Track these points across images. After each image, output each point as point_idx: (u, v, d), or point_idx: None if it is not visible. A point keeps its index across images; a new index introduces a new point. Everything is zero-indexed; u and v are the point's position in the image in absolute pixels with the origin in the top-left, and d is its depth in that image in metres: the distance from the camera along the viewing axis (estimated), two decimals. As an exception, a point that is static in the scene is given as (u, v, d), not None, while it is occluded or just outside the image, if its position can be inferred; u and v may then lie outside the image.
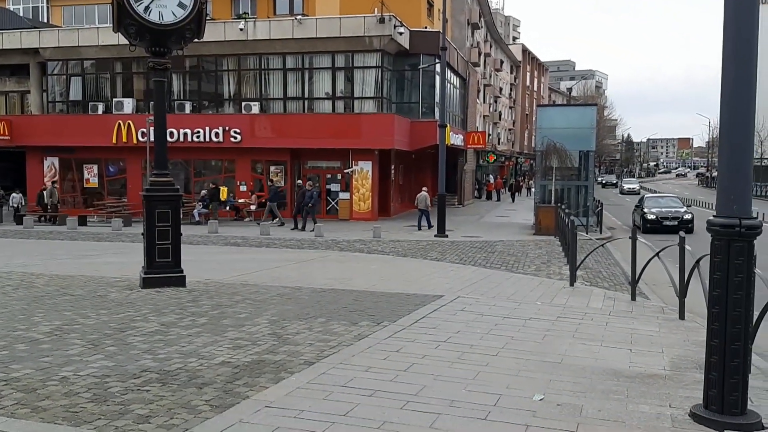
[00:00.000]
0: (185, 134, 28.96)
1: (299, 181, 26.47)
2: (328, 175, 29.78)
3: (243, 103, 29.72)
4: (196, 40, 11.68)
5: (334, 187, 29.47)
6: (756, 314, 6.12)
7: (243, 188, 29.65)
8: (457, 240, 21.09)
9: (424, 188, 26.10)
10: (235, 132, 28.65)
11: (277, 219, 25.73)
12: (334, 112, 29.27)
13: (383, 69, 28.68)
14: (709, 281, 5.12)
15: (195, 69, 31.15)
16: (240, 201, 28.91)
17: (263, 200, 29.31)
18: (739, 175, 5.00)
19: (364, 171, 28.33)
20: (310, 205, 23.88)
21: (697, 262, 8.18)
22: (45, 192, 28.27)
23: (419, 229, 24.42)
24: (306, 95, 29.67)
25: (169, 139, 26.76)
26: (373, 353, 6.95)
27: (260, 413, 5.13)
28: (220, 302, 9.86)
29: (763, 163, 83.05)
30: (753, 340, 6.27)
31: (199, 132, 28.93)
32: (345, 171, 28.60)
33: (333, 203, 29.43)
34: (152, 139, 13.25)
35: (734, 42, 4.97)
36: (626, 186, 70.68)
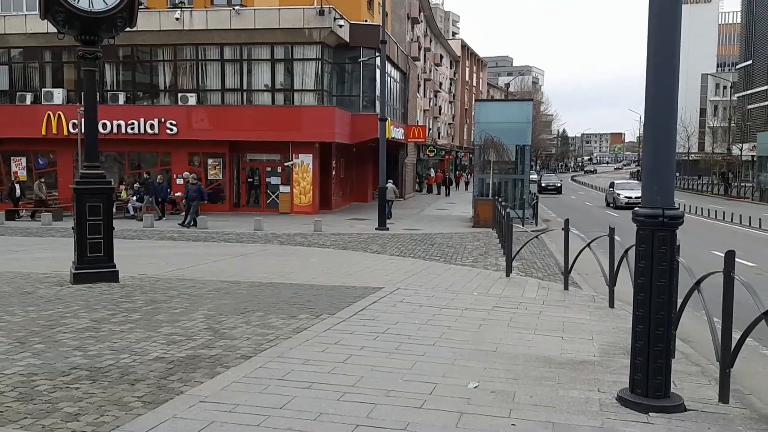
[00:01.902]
0: (119, 126, 28.10)
1: (186, 173, 25.57)
2: (269, 168, 29.45)
3: (179, 95, 29.02)
4: (128, 28, 11.36)
5: (275, 180, 29.16)
6: (679, 301, 6.42)
7: (180, 181, 28.98)
8: (398, 233, 21.22)
9: (389, 180, 26.40)
10: (171, 124, 27.97)
11: (131, 213, 25.28)
12: (274, 104, 28.92)
13: (323, 61, 28.51)
14: (634, 270, 5.33)
15: (129, 59, 30.24)
16: (177, 195, 28.26)
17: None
18: (662, 168, 5.21)
19: (304, 164, 28.13)
20: (197, 200, 22.68)
21: (626, 252, 8.48)
22: (34, 186, 26.88)
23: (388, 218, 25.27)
24: (245, 87, 29.20)
25: (102, 130, 26.47)
26: (311, 346, 6.94)
27: (194, 408, 5.05)
28: (154, 297, 9.64)
29: (690, 158, 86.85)
30: (677, 326, 6.58)
31: (133, 124, 28.12)
32: (285, 164, 28.34)
33: (273, 197, 29.13)
34: (83, 130, 12.80)
35: (657, 41, 5.16)
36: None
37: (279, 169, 29.00)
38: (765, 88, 65.72)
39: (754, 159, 56.73)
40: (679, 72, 5.23)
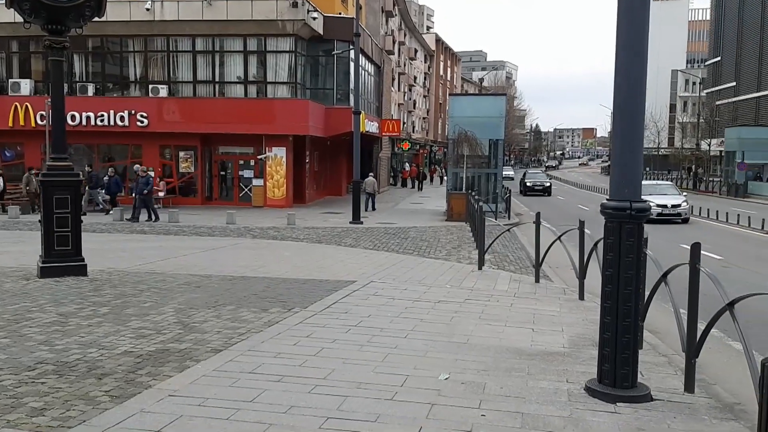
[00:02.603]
0: (88, 118, 27.62)
1: (136, 166, 24.81)
2: (241, 161, 29.20)
3: (150, 86, 28.60)
4: (97, 18, 11.15)
5: (248, 173, 28.92)
6: (647, 293, 6.51)
7: (150, 174, 28.57)
8: (372, 226, 21.22)
9: (370, 174, 26.52)
10: (141, 116, 27.56)
11: (100, 206, 24.88)
12: (247, 96, 28.65)
13: (297, 54, 28.31)
14: (602, 262, 5.39)
15: (98, 50, 29.70)
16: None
17: (172, 186, 28.53)
18: (630, 162, 5.27)
19: (278, 157, 27.95)
20: (145, 192, 22.08)
21: (596, 244, 8.58)
22: (24, 178, 26.06)
23: (366, 209, 26.54)
24: (217, 79, 28.88)
25: (71, 122, 26.10)
26: (282, 339, 6.91)
27: (163, 402, 5.00)
28: (123, 291, 9.51)
29: (660, 153, 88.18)
30: (644, 318, 6.68)
31: (103, 115, 27.65)
32: (258, 157, 28.13)
33: (246, 190, 28.91)
34: (51, 122, 12.57)
35: (626, 36, 5.21)
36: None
37: (252, 162, 28.76)
38: (733, 84, 66.95)
39: (722, 154, 57.77)
40: (647, 68, 5.29)
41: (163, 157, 29.22)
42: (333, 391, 5.30)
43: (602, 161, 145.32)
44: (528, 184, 45.84)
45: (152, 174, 24.49)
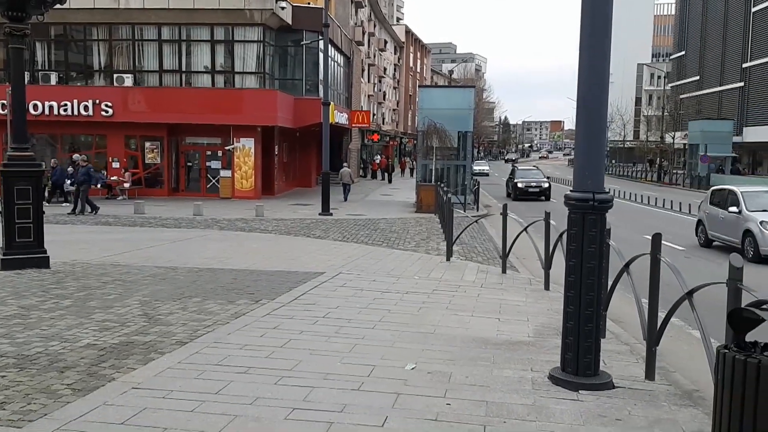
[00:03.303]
0: (51, 107, 27.01)
1: (76, 155, 23.86)
2: (209, 152, 28.85)
3: (115, 75, 28.11)
4: (59, 5, 10.90)
5: (215, 164, 28.60)
6: (610, 283, 6.63)
7: (116, 165, 28.15)
8: (341, 218, 21.18)
9: (345, 164, 26.58)
10: (106, 105, 27.05)
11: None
12: (214, 86, 28.31)
13: (265, 44, 28.05)
14: (566, 252, 5.46)
15: (61, 38, 29.05)
16: (112, 178, 27.45)
17: (138, 177, 28.10)
18: (593, 154, 5.35)
19: (246, 148, 27.70)
20: (86, 184, 21.25)
21: (561, 235, 8.69)
22: None
23: (344, 200, 27.73)
24: (183, 68, 28.46)
25: (33, 111, 25.56)
26: (249, 331, 6.87)
27: (126, 395, 4.94)
28: (87, 284, 9.36)
29: (626, 145, 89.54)
30: (607, 307, 6.80)
31: (66, 105, 27.07)
32: (226, 148, 27.84)
33: (214, 181, 28.59)
34: (11, 111, 12.26)
35: (590, 31, 5.27)
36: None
37: (219, 153, 28.45)
38: (696, 78, 68.20)
39: (686, 147, 58.84)
40: (610, 62, 5.36)
41: (129, 148, 28.75)
42: (299, 382, 5.30)
43: (564, 154, 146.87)
44: (520, 185, 34.38)
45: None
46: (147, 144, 28.53)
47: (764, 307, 3.21)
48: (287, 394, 5.01)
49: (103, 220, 19.40)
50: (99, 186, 27.02)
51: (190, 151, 29.27)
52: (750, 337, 3.38)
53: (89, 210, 21.02)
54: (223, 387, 5.15)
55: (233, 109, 26.79)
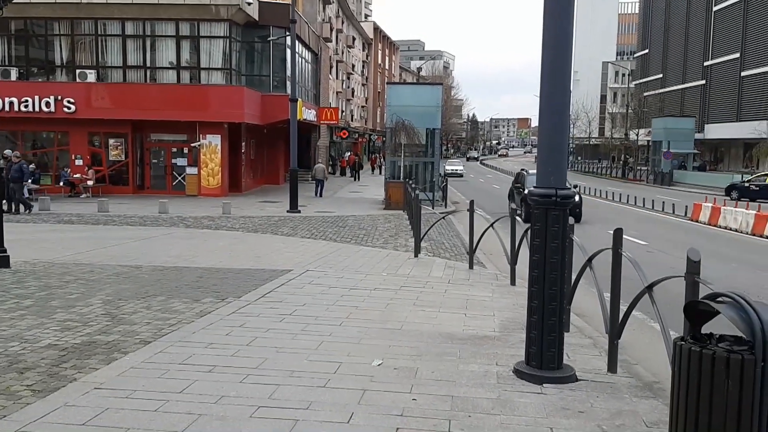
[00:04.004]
0: (11, 103, 26.39)
1: (7, 151, 22.34)
2: (174, 149, 28.48)
3: (78, 71, 27.54)
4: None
5: (181, 161, 28.23)
6: (573, 277, 6.73)
7: (79, 162, 27.61)
8: (310, 215, 21.10)
9: (320, 160, 26.46)
10: (68, 102, 26.50)
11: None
12: (180, 82, 27.92)
13: (231, 39, 27.75)
14: (529, 247, 5.53)
15: (22, 32, 28.36)
16: (75, 176, 26.92)
17: (102, 175, 27.60)
18: (556, 151, 5.42)
19: (212, 145, 27.39)
20: (19, 182, 20.18)
21: (526, 231, 8.77)
22: None
23: (315, 195, 28.66)
24: (148, 64, 28.01)
25: (-9, 108, 24.77)
26: (215, 329, 6.81)
27: (88, 395, 4.86)
28: (48, 283, 9.18)
29: (591, 142, 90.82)
30: (570, 301, 6.89)
31: (27, 101, 26.45)
32: (192, 145, 27.49)
33: (180, 178, 28.23)
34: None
35: (552, 30, 5.33)
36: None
37: (185, 150, 28.10)
38: (659, 76, 69.53)
39: (649, 144, 59.96)
40: (572, 61, 5.43)
41: (92, 145, 28.21)
42: (265, 380, 5.27)
43: (525, 151, 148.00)
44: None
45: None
46: (111, 141, 28.03)
47: (719, 299, 3.29)
48: (252, 393, 4.98)
49: (66, 218, 19.02)
50: (62, 183, 26.53)
51: (156, 148, 28.84)
52: (709, 328, 3.46)
53: (23, 209, 20.02)
54: (188, 386, 5.09)
55: (199, 106, 26.47)
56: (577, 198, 16.60)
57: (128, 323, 7.02)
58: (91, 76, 27.36)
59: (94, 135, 28.10)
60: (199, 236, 15.45)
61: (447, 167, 52.95)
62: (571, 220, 5.98)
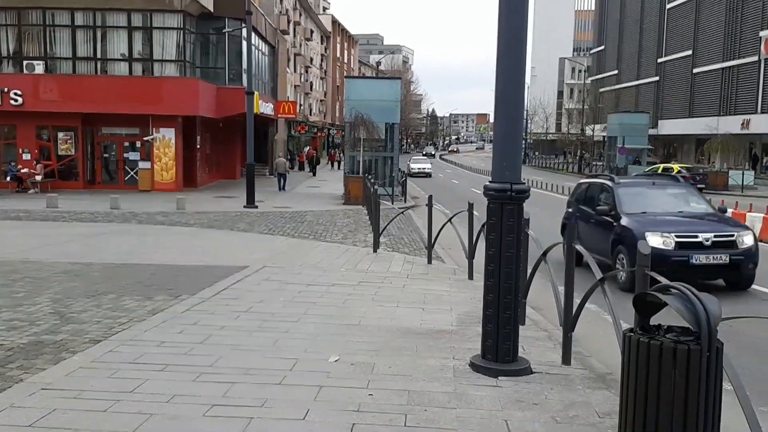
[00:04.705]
0: (-46, 95, 25.44)
1: None
2: (126, 143, 27.84)
3: (25, 62, 26.67)
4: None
5: (134, 155, 27.62)
6: (529, 270, 6.80)
7: (26, 156, 26.78)
8: (267, 211, 20.89)
9: (280, 153, 26.19)
10: (15, 94, 25.64)
11: None
12: (132, 75, 27.28)
13: (185, 31, 27.23)
14: (485, 241, 5.56)
15: (-35, 21, 27.35)
16: (23, 171, 26.10)
17: (51, 170, 26.83)
18: (510, 146, 5.45)
19: (166, 139, 26.87)
20: None
21: (483, 225, 8.84)
22: None
23: (279, 189, 29.02)
24: (99, 56, 27.28)
25: (-69, 99, 23.80)
26: (167, 327, 6.68)
27: (35, 396, 4.71)
28: (-7, 281, 8.87)
29: (549, 137, 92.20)
30: (526, 294, 6.97)
31: (-29, 93, 25.53)
32: (145, 139, 26.93)
33: (132, 173, 27.62)
34: None
35: (506, 26, 5.35)
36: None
37: (138, 144, 27.49)
38: (615, 72, 70.87)
39: (605, 139, 61.13)
40: (526, 56, 5.47)
41: (41, 139, 27.39)
42: (219, 378, 5.19)
43: (477, 147, 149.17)
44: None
45: None
46: (60, 134, 27.25)
47: (667, 291, 3.35)
48: (206, 391, 4.89)
49: (13, 214, 18.42)
50: (8, 179, 25.70)
51: (107, 141, 28.17)
52: (661, 320, 3.52)
53: None
54: (139, 385, 4.98)
55: (152, 99, 25.92)
56: (748, 241, 10.04)
57: (77, 322, 6.84)
58: (39, 68, 26.55)
59: (42, 128, 27.29)
60: (153, 232, 15.15)
61: (412, 166, 49.21)
62: (526, 214, 6.04)
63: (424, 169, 49.57)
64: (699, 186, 33.75)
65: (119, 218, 17.78)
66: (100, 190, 26.57)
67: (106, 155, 28.24)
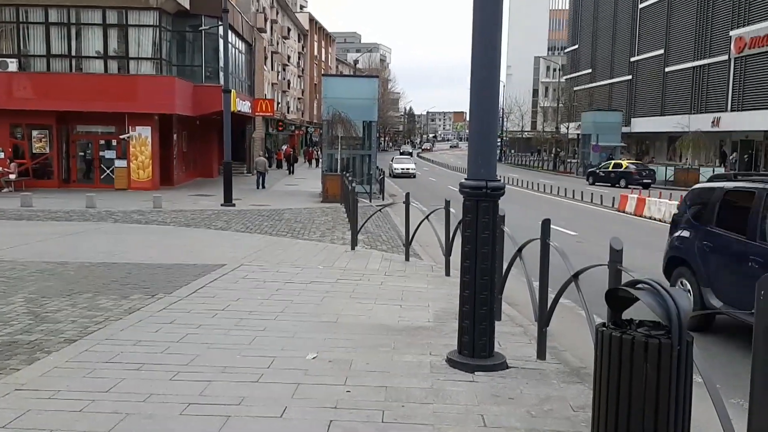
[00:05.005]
0: (-75, 93, 24.93)
1: None
2: (102, 141, 27.51)
3: (-3, 59, 26.25)
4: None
5: (109, 154, 27.29)
6: (505, 266, 6.87)
7: (0, 155, 26.34)
8: (245, 209, 20.79)
9: (260, 152, 26.09)
10: (-13, 92, 25.23)
11: None
12: (107, 72, 26.96)
13: (161, 29, 26.97)
14: (461, 238, 5.61)
15: (-65, 17, 26.81)
16: (-3, 170, 25.68)
17: (25, 168, 26.42)
18: (486, 144, 5.51)
19: (142, 137, 26.60)
20: None
21: (460, 222, 8.89)
22: None
23: (258, 188, 29.10)
24: (74, 53, 26.92)
25: None
26: (144, 326, 6.64)
27: (8, 397, 4.67)
28: (-35, 282, 8.74)
29: (524, 135, 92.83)
30: (501, 290, 7.04)
31: (-59, 90, 25.05)
32: (121, 137, 26.62)
33: (108, 172, 27.29)
34: None
35: (481, 24, 5.40)
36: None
37: (114, 142, 27.18)
38: (589, 71, 71.53)
39: (579, 137, 61.70)
40: (500, 55, 5.51)
41: (14, 137, 26.94)
42: (196, 377, 5.17)
43: (451, 145, 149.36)
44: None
45: None
46: (34, 133, 26.82)
47: (639, 286, 3.42)
48: (183, 390, 4.88)
49: (-15, 213, 18.13)
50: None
51: (82, 140, 27.80)
52: (635, 315, 3.59)
53: None
54: (114, 385, 4.95)
55: (128, 96, 25.64)
56: None
57: (52, 322, 6.76)
58: (13, 65, 26.12)
59: (16, 127, 26.84)
60: (129, 231, 15.01)
61: (395, 166, 45.93)
62: (502, 211, 6.10)
63: (407, 169, 46.04)
64: (645, 181, 37.24)
65: (95, 217, 17.57)
66: (75, 188, 26.21)
67: (81, 153, 27.87)
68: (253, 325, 6.78)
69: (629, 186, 34.24)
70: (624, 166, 39.40)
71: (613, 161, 43.01)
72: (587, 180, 42.03)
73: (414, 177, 45.05)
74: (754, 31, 42.79)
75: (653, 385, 3.21)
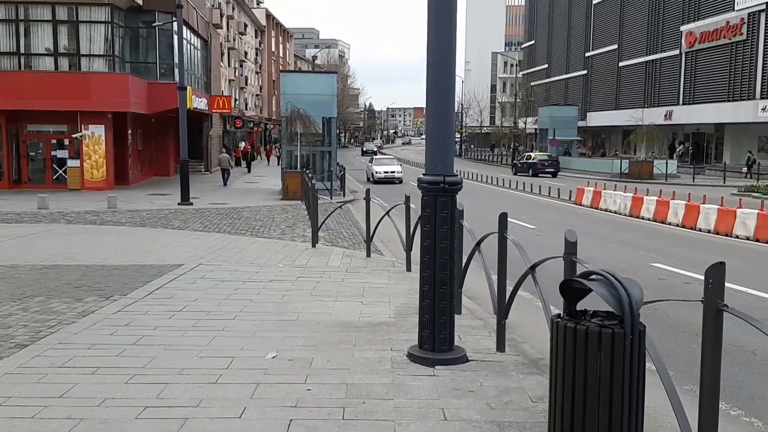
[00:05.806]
0: None
1: None
2: (54, 141, 26.79)
3: (-60, 57, 25.32)
4: None
5: (62, 153, 26.58)
6: (464, 260, 6.91)
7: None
8: (203, 207, 20.49)
9: (223, 149, 25.75)
10: (-69, 90, 24.30)
11: None
12: (58, 70, 26.24)
13: (114, 25, 26.36)
14: (421, 233, 5.62)
15: None
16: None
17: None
18: (443, 139, 5.52)
19: (96, 136, 25.97)
20: None
21: (420, 218, 8.93)
22: None
23: (225, 185, 29.41)
24: (22, 50, 26.12)
25: None
26: (98, 330, 6.49)
27: (-45, 407, 4.50)
28: None
29: (483, 131, 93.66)
30: (461, 284, 7.08)
31: None
32: (73, 136, 25.95)
33: (61, 172, 26.60)
34: None
35: (435, 19, 5.41)
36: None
37: (66, 142, 26.50)
38: (545, 66, 72.56)
39: (537, 131, 62.58)
40: (455, 51, 5.54)
41: (-40, 137, 26.06)
42: (152, 379, 5.08)
43: (403, 142, 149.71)
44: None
45: None
46: (-18, 132, 25.98)
47: (592, 277, 3.46)
48: (139, 393, 4.79)
49: (-69, 217, 17.49)
50: None
51: (33, 139, 27.03)
52: (591, 306, 3.64)
53: None
54: (68, 390, 4.83)
55: (80, 94, 25.00)
56: None
57: (2, 326, 6.57)
58: (-43, 63, 25.23)
59: (-38, 126, 25.96)
60: (82, 232, 14.65)
61: (376, 169, 36.33)
62: (460, 205, 6.13)
63: (392, 172, 35.81)
64: (548, 170, 41.60)
65: (47, 218, 17.10)
66: (26, 189, 25.47)
67: (32, 153, 27.07)
68: (211, 326, 6.70)
69: (537, 174, 40.46)
70: (533, 158, 44.19)
71: (526, 153, 48.98)
72: (512, 171, 45.72)
73: (401, 182, 35.08)
74: (704, 26, 43.99)
75: (607, 374, 3.26)
